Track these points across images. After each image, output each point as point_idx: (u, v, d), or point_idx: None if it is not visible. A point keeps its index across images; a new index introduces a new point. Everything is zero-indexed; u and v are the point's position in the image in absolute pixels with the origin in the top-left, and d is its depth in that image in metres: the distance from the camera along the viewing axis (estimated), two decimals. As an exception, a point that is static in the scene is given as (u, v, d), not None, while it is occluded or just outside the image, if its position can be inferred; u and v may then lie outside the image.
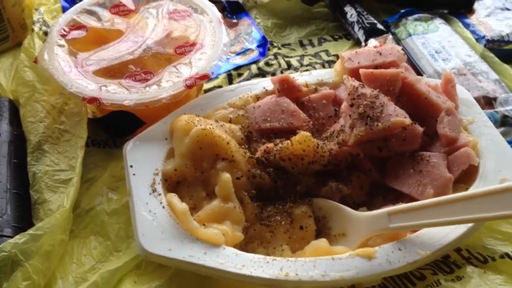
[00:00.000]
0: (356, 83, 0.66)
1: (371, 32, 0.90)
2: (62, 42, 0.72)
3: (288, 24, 0.97)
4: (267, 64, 0.88)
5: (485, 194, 0.52)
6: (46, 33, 0.81)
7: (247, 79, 0.84)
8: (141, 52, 0.72)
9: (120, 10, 0.77)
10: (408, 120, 0.63)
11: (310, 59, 0.89)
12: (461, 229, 0.57)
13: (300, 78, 0.73)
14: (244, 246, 0.59)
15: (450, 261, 0.58)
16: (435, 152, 0.64)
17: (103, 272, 0.58)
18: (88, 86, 0.67)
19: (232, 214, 0.59)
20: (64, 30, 0.74)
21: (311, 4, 1.00)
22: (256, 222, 0.61)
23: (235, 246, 0.57)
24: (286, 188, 0.63)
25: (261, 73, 0.86)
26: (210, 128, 0.62)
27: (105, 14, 0.76)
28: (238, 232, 0.58)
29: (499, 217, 0.51)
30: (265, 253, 0.58)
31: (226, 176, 0.60)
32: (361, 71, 0.68)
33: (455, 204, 0.53)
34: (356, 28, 0.92)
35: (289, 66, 0.87)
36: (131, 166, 0.62)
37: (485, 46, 0.86)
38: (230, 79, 0.85)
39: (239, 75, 0.86)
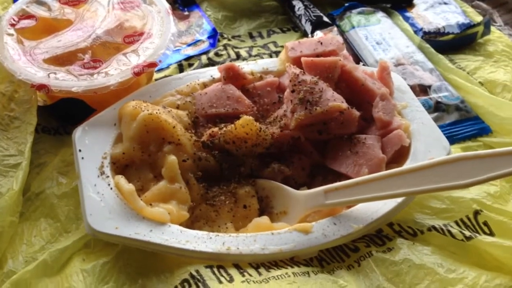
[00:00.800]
0: (297, 71, 0.70)
1: (317, 25, 0.94)
2: (12, 31, 0.74)
3: (238, 17, 1.00)
4: (216, 54, 0.90)
5: (412, 170, 0.56)
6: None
7: (198, 69, 0.86)
8: (91, 41, 0.73)
9: (70, 0, 0.78)
10: (345, 105, 0.67)
11: (258, 50, 0.92)
12: (391, 204, 0.61)
13: (246, 66, 0.76)
14: (191, 225, 0.62)
15: (382, 234, 0.62)
16: (371, 135, 0.68)
17: (52, 251, 0.59)
18: (37, 73, 0.68)
19: (178, 194, 0.61)
20: (14, 20, 0.75)
21: (260, -3, 1.03)
22: (202, 202, 0.64)
23: (181, 226, 0.60)
24: (230, 170, 0.66)
25: (211, 63, 0.88)
26: (156, 113, 0.64)
27: (54, 4, 0.78)
28: (183, 211, 0.61)
29: (426, 191, 0.56)
30: (210, 231, 0.61)
31: (172, 158, 0.62)
32: (303, 59, 0.72)
33: (386, 179, 0.58)
34: (303, 20, 0.95)
35: (238, 56, 0.91)
36: (79, 150, 0.64)
37: (422, 37, 0.90)
38: (181, 69, 0.88)
39: (190, 65, 0.89)
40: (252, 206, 0.64)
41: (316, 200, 0.61)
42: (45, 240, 0.62)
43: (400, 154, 0.67)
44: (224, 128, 0.66)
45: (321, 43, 0.75)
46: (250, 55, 0.91)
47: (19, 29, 0.74)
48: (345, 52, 0.75)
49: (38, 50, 0.72)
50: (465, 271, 0.58)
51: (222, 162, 0.66)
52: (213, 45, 0.92)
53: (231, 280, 0.54)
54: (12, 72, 0.68)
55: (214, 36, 0.94)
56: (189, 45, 0.92)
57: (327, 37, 0.76)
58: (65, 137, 0.73)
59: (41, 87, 0.67)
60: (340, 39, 0.76)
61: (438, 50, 0.88)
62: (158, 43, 0.73)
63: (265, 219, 0.61)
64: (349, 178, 0.65)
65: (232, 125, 0.65)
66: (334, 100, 0.67)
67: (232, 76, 0.73)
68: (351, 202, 0.60)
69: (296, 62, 0.74)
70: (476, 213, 0.63)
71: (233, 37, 0.96)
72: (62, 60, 0.72)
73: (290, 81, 0.69)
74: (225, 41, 0.94)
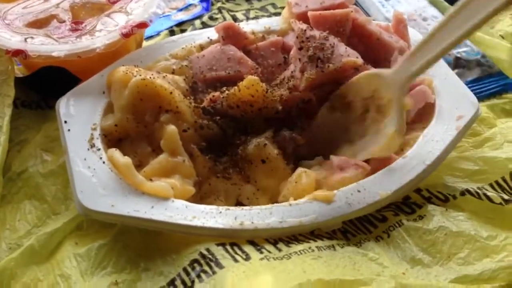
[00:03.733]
0: (304, 26, 0.63)
1: (319, -17, 0.86)
2: (-19, -7, 0.66)
3: (232, -22, 0.92)
4: (211, 18, 0.83)
5: None
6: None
7: (192, 31, 0.80)
8: (71, 2, 0.66)
9: (46, -42, 0.70)
10: (360, 60, 0.60)
11: (256, 12, 0.85)
12: (419, 167, 0.55)
13: (246, 26, 0.69)
14: (200, 202, 0.55)
15: (411, 202, 0.56)
16: (390, 94, 0.62)
17: (39, 235, 0.52)
18: (12, 38, 0.61)
19: (181, 167, 0.54)
20: (-17, -19, 0.67)
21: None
22: (211, 175, 0.57)
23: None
24: (235, 136, 0.59)
25: (206, 28, 0.81)
26: (150, 77, 0.57)
27: (29, -37, 0.69)
28: (188, 186, 0.54)
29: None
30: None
31: (172, 128, 0.55)
32: (310, 13, 0.65)
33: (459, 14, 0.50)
34: (303, -21, 0.88)
35: (235, 20, 0.83)
36: (65, 122, 0.57)
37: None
38: (172, 36, 0.80)
39: (182, 31, 0.81)
40: (270, 156, 0.56)
41: (404, 73, 0.54)
42: (31, 224, 0.55)
43: (424, 113, 0.61)
44: (227, 92, 0.58)
45: (328, -4, 0.68)
46: (248, 18, 0.84)
47: (-9, -9, 0.66)
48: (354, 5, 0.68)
49: (11, 15, 0.65)
50: (508, 237, 0.52)
51: (226, 128, 0.59)
52: (206, 9, 0.85)
53: (247, 258, 0.47)
54: (-16, 38, 0.60)
55: (207, -1, 0.86)
56: (180, 10, 0.85)
57: (334, -11, 0.69)
58: (48, 111, 0.66)
59: (18, 52, 0.59)
60: (349, -10, 0.69)
61: (451, 3, 0.80)
62: (147, 1, 0.66)
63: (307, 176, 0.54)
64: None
65: (236, 87, 0.58)
66: (347, 55, 0.60)
67: (232, 36, 0.66)
68: (440, 53, 0.52)
69: (302, 18, 0.67)
70: (513, 174, 0.57)
71: (227, 0, 0.88)
72: (40, 24, 0.64)
73: (297, 37, 0.62)
74: (219, 4, 0.86)
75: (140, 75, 0.57)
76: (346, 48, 0.61)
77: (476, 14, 0.48)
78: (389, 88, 0.56)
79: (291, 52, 0.63)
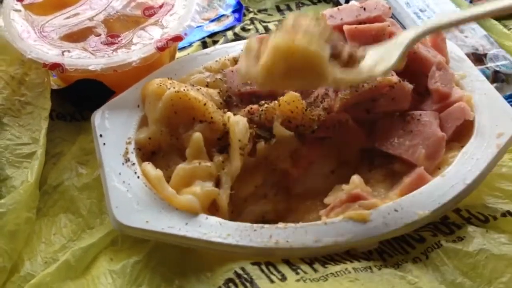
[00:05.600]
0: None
1: (351, -6, 0.85)
2: (19, 7, 0.66)
3: (263, -11, 0.92)
4: (243, 29, 0.83)
5: None
6: (1, 1, 0.74)
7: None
8: (106, 15, 0.66)
9: (81, -28, 0.70)
10: (395, 78, 0.59)
11: (288, 23, 0.84)
12: (459, 187, 0.53)
13: (280, 39, 0.69)
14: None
15: (449, 222, 0.55)
16: (426, 111, 0.60)
17: (75, 250, 0.52)
18: (49, 51, 0.61)
19: (199, 171, 0.54)
20: (21, -6, 0.68)
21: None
22: None
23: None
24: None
25: (238, 39, 0.80)
26: (184, 90, 0.57)
27: (64, -24, 0.70)
28: (208, 188, 0.53)
29: None
30: None
31: (197, 134, 0.55)
32: (345, 27, 0.64)
33: None
34: (335, -10, 0.87)
35: (267, 30, 0.83)
36: (100, 136, 0.57)
37: (470, 2, 0.83)
38: (205, 47, 0.80)
39: (214, 42, 0.81)
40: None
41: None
42: (66, 238, 0.55)
43: (462, 130, 0.59)
44: (266, 105, 0.58)
45: (364, 9, 0.67)
46: (280, 29, 0.83)
47: (27, 4, 0.67)
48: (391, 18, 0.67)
49: (48, 27, 0.65)
50: (551, 260, 0.50)
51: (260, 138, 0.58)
52: (238, 19, 0.85)
53: (283, 278, 0.47)
54: (22, 51, 0.61)
55: (239, 10, 0.86)
56: (212, 20, 0.85)
57: (370, 2, 0.68)
58: (83, 123, 0.66)
59: (55, 66, 0.60)
60: (385, 3, 0.67)
61: (489, 14, 0.79)
62: (182, 14, 0.66)
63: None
64: (402, 161, 0.57)
65: (276, 102, 0.58)
66: (382, 73, 0.59)
67: (267, 50, 0.65)
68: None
69: (337, 31, 0.66)
70: (555, 194, 0.55)
71: (259, 11, 0.88)
72: (76, 37, 0.65)
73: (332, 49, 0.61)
74: (251, 15, 0.86)
75: (174, 88, 0.57)
76: (381, 64, 0.60)
77: None
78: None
79: (325, 69, 0.63)
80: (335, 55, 0.52)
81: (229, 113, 0.57)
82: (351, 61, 0.54)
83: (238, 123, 0.55)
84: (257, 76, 0.52)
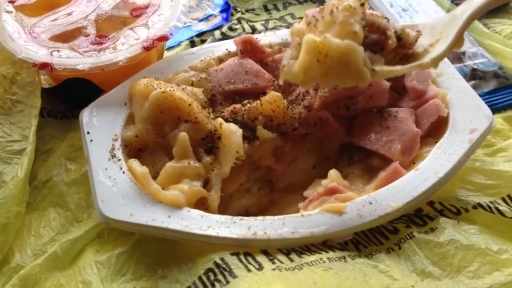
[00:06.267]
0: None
1: (337, -7, 0.87)
2: (10, 8, 0.68)
3: (251, -11, 0.94)
4: (230, 29, 0.85)
5: None
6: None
7: (211, 43, 0.81)
8: (95, 16, 0.68)
9: (71, -26, 0.72)
10: (371, 75, 0.61)
11: (275, 22, 0.87)
12: (432, 180, 0.55)
13: (264, 38, 0.71)
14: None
15: (423, 214, 0.57)
16: (403, 108, 0.62)
17: (62, 242, 0.55)
18: (39, 51, 0.63)
19: (188, 171, 0.56)
20: (12, -4, 0.70)
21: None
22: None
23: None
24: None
25: (225, 38, 0.83)
26: (170, 90, 0.59)
27: (55, -22, 0.72)
28: (196, 187, 0.55)
29: None
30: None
31: (183, 134, 0.57)
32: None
33: None
34: (321, -10, 0.89)
35: (254, 30, 0.85)
36: (88, 132, 0.59)
37: (452, 2, 0.84)
38: (192, 46, 0.82)
39: (202, 41, 0.83)
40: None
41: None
42: (55, 231, 0.57)
43: (437, 126, 0.61)
44: (249, 105, 0.60)
45: (345, 10, 0.69)
46: (267, 29, 0.85)
47: (19, 6, 0.69)
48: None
49: (39, 28, 0.67)
50: (519, 251, 0.52)
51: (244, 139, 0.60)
52: (226, 19, 0.87)
53: (260, 268, 0.49)
54: (12, 51, 0.63)
55: (227, 9, 0.88)
56: (201, 20, 0.87)
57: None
58: (72, 121, 0.68)
59: (44, 65, 0.62)
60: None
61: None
62: (168, 15, 0.68)
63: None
64: (379, 155, 0.60)
65: (258, 101, 0.60)
66: (360, 70, 0.61)
67: (250, 50, 0.68)
68: None
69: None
70: (525, 188, 0.58)
71: (247, 10, 0.90)
72: (65, 37, 0.67)
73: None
74: (238, 15, 0.88)
75: (160, 88, 0.59)
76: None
77: None
78: (442, 30, 0.51)
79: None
80: (379, 43, 0.49)
81: (220, 120, 0.58)
82: (404, 46, 0.50)
83: (234, 134, 0.56)
84: (296, 77, 0.50)
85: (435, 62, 0.49)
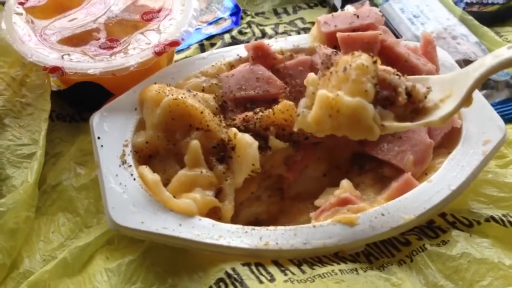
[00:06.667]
0: (329, 51, 0.63)
1: (348, -2, 0.87)
2: (20, 10, 0.68)
3: (261, -8, 0.94)
4: (240, 32, 0.85)
5: None
6: (3, 3, 0.76)
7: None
8: (105, 19, 0.68)
9: (81, -24, 0.72)
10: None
11: (285, 27, 0.86)
12: (444, 192, 0.55)
13: (275, 44, 0.70)
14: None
15: (435, 226, 0.57)
16: (416, 117, 0.62)
17: (72, 248, 0.54)
18: (50, 55, 0.63)
19: (200, 180, 0.56)
20: (23, -2, 0.69)
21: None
22: None
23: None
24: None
25: (235, 42, 0.82)
26: (182, 97, 0.59)
27: (65, -20, 0.72)
28: (208, 197, 0.55)
29: None
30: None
31: (195, 142, 0.57)
32: (338, 34, 0.65)
33: None
34: (332, -6, 0.89)
35: (264, 34, 0.85)
36: (98, 138, 0.59)
37: (463, 9, 0.84)
38: (202, 50, 0.82)
39: (212, 45, 0.83)
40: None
41: (496, 58, 0.49)
42: (64, 237, 0.57)
43: (450, 137, 0.61)
44: (261, 113, 0.60)
45: (358, 16, 0.68)
46: (277, 33, 0.85)
47: (29, 8, 0.69)
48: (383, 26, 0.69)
49: (49, 30, 0.67)
50: (532, 265, 0.52)
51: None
52: (236, 23, 0.86)
53: (272, 279, 0.49)
54: (23, 54, 0.63)
55: (236, 13, 0.88)
56: (210, 23, 0.87)
57: (363, 10, 0.69)
58: (82, 124, 0.68)
59: (55, 69, 0.61)
60: (378, 11, 0.69)
61: (482, 22, 0.81)
62: (180, 19, 0.68)
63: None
64: (391, 166, 0.59)
65: (270, 110, 0.59)
66: (373, 80, 0.60)
67: (261, 56, 0.67)
68: None
69: (330, 38, 0.68)
70: (538, 201, 0.57)
71: (257, 14, 0.90)
72: (76, 40, 0.66)
73: (322, 63, 0.62)
74: (248, 18, 0.88)
75: (172, 95, 0.59)
76: (371, 72, 0.61)
77: None
78: (452, 87, 0.52)
79: (317, 76, 0.64)
80: (390, 99, 0.51)
81: (235, 130, 0.58)
82: (413, 101, 0.51)
83: (251, 146, 0.56)
84: (310, 127, 0.52)
85: (443, 121, 0.50)
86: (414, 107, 0.52)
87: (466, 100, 0.50)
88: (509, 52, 0.48)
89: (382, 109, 0.50)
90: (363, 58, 0.49)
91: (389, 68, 0.52)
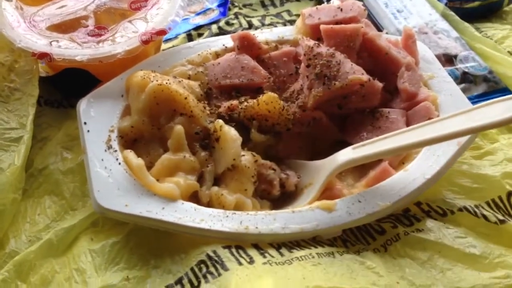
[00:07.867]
0: (311, 43, 0.65)
1: (334, -8, 0.88)
2: (10, -4, 0.69)
3: (249, -16, 0.95)
4: (227, 23, 0.86)
5: (442, 119, 0.54)
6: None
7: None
8: (94, 7, 0.69)
9: (71, -36, 0.73)
10: (365, 77, 0.62)
11: (271, 19, 0.88)
12: (419, 180, 0.57)
13: (261, 35, 0.72)
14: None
15: (410, 214, 0.58)
16: (395, 109, 0.64)
17: (57, 230, 0.56)
18: (38, 41, 0.64)
19: (183, 164, 0.57)
20: (12, -16, 0.70)
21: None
22: None
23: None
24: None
25: (222, 33, 0.84)
26: (167, 83, 0.60)
27: (55, -33, 0.72)
28: (191, 181, 0.57)
29: (459, 134, 0.52)
30: None
31: (178, 127, 0.58)
32: (321, 27, 0.67)
33: (415, 130, 0.55)
34: (318, -12, 0.90)
35: (250, 25, 0.86)
36: (85, 123, 0.60)
37: (445, 5, 0.86)
38: (190, 39, 0.83)
39: (200, 35, 0.84)
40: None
41: (344, 156, 0.57)
42: (50, 219, 0.58)
43: (427, 128, 0.63)
44: (246, 103, 0.61)
45: (341, 10, 0.70)
46: (263, 24, 0.86)
47: (18, -6, 0.69)
48: (366, 19, 0.70)
49: (38, 17, 0.68)
50: (502, 255, 0.54)
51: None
52: (223, 13, 0.87)
53: (251, 261, 0.50)
54: (12, 39, 0.64)
55: (224, 4, 0.89)
56: (198, 14, 0.88)
57: (347, 3, 0.71)
58: (69, 110, 0.69)
59: (43, 55, 0.62)
60: (361, 5, 0.71)
61: (463, 18, 0.83)
62: (167, 9, 0.69)
63: None
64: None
65: (255, 101, 0.61)
66: (353, 72, 0.62)
67: (247, 46, 0.69)
68: (379, 154, 0.56)
69: (314, 30, 0.69)
70: (510, 194, 0.59)
71: (244, 5, 0.91)
72: (65, 27, 0.67)
73: (304, 54, 0.64)
74: (236, 10, 0.89)
75: (157, 80, 0.60)
76: (352, 64, 0.63)
77: (450, 128, 0.52)
78: (314, 175, 0.60)
79: (300, 69, 0.66)
80: (266, 191, 0.59)
81: (221, 122, 0.59)
82: (285, 191, 0.60)
83: (235, 141, 0.57)
84: None
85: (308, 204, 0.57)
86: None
87: (324, 189, 0.58)
88: (353, 153, 0.57)
89: (260, 200, 0.59)
90: (246, 160, 0.58)
91: (266, 163, 0.60)
